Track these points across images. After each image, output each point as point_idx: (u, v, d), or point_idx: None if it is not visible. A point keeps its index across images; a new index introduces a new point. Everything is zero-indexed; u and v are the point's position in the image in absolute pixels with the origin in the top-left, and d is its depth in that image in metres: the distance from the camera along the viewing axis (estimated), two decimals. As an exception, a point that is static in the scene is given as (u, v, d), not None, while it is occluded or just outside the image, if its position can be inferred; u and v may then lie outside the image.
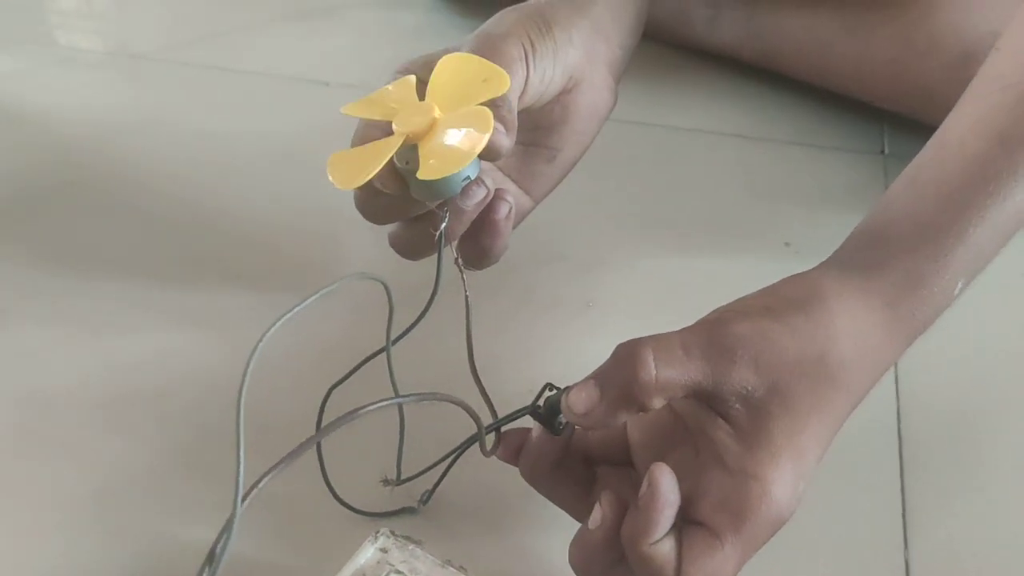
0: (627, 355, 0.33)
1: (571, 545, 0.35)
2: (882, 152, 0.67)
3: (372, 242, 0.56)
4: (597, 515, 0.33)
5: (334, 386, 0.36)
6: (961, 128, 0.38)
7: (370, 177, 0.33)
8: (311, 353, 0.47)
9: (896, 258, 0.36)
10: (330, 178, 0.34)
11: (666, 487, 0.32)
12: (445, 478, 0.39)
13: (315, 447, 0.37)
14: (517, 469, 0.37)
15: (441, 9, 0.86)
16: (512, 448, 0.37)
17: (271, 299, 0.52)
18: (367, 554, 0.34)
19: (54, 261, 0.54)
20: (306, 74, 0.76)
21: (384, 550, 0.34)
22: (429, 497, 0.39)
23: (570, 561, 0.35)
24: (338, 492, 0.38)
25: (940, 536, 0.40)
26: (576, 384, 0.33)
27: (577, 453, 0.37)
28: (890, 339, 0.35)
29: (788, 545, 0.34)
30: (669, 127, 0.70)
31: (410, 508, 0.39)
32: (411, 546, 0.35)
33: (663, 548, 0.32)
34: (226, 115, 0.71)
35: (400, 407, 0.38)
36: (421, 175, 0.33)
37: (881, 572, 0.39)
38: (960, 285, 0.36)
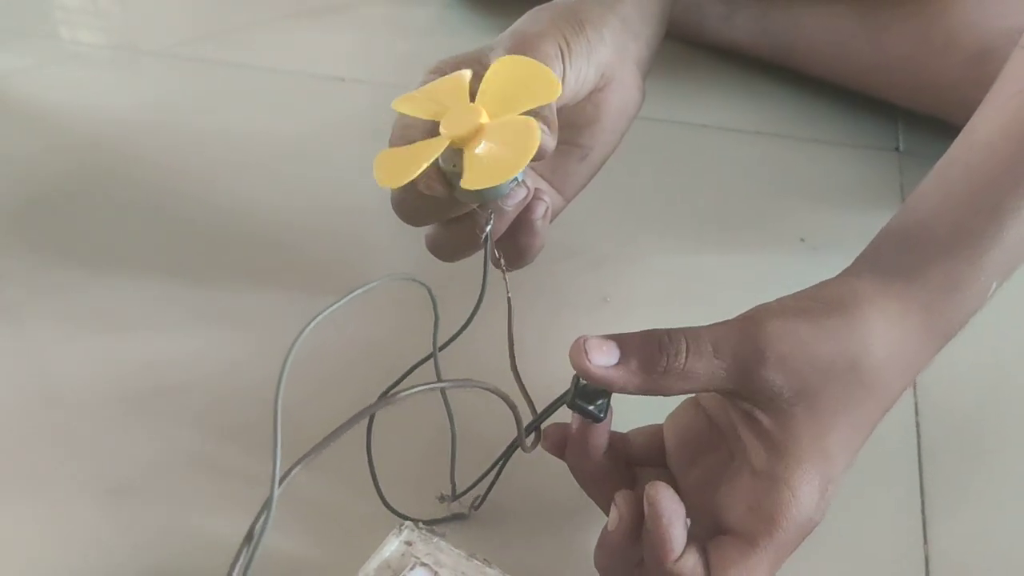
0: (658, 336, 0.33)
1: (596, 547, 0.35)
2: (897, 149, 0.67)
3: (392, 238, 0.57)
4: (615, 515, 0.34)
5: (385, 392, 0.35)
6: (988, 130, 0.38)
7: (412, 178, 0.33)
8: (336, 351, 0.47)
9: (933, 262, 0.36)
10: (375, 175, 0.34)
11: (665, 503, 0.32)
12: (486, 482, 0.39)
13: (367, 453, 0.37)
14: (546, 471, 0.37)
15: (455, 6, 0.86)
16: (557, 441, 0.37)
17: (288, 296, 0.52)
18: (392, 546, 0.35)
19: (67, 258, 0.55)
20: (320, 70, 0.77)
21: (409, 543, 0.35)
22: (481, 503, 0.39)
23: (595, 563, 0.35)
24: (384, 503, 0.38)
25: (960, 531, 0.40)
26: (595, 336, 0.34)
27: (619, 455, 0.37)
28: (924, 343, 0.36)
29: (809, 541, 0.34)
30: (684, 123, 0.70)
31: (461, 515, 0.39)
32: (435, 539, 0.35)
33: (687, 565, 0.32)
34: (239, 111, 0.71)
35: (451, 419, 0.38)
36: (465, 184, 0.33)
37: (901, 567, 0.39)
38: (994, 287, 0.36)
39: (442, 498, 0.39)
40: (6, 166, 0.63)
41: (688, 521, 0.34)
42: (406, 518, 0.37)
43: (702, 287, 0.54)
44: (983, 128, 0.39)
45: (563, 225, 0.54)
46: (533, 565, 0.38)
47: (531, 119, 0.33)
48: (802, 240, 0.58)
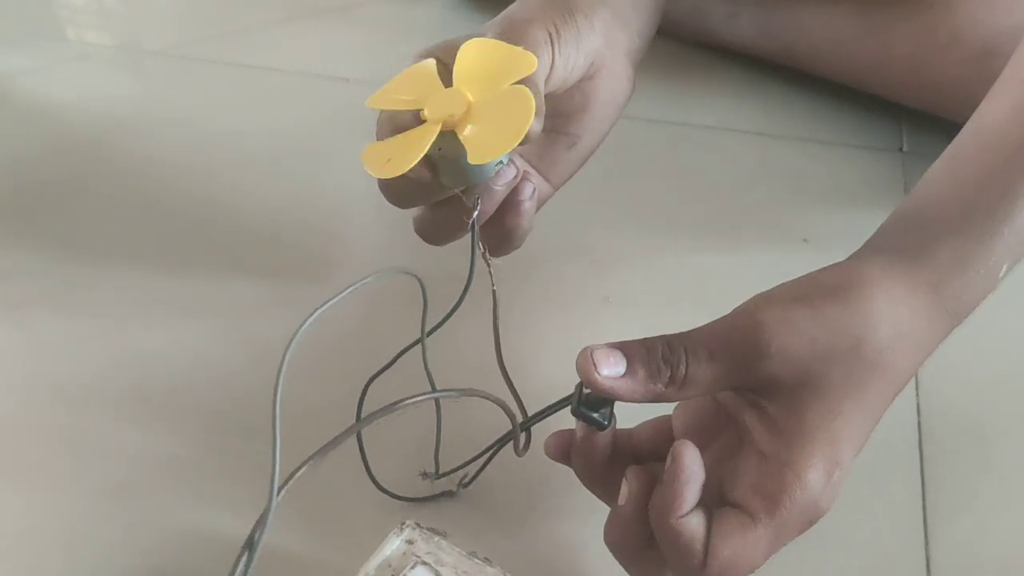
0: (659, 346, 0.33)
1: (606, 524, 0.35)
2: (901, 149, 0.67)
3: (391, 237, 0.57)
4: (624, 490, 0.34)
5: (372, 379, 0.36)
6: (1000, 114, 0.38)
7: (408, 168, 0.33)
8: (333, 345, 0.48)
9: (942, 240, 0.36)
10: (365, 168, 0.34)
11: (689, 460, 0.32)
12: (471, 465, 0.39)
13: (356, 437, 0.37)
14: (543, 465, 0.37)
15: (458, 6, 0.86)
16: (561, 447, 0.36)
17: (290, 293, 0.52)
18: (393, 545, 0.35)
19: (71, 256, 0.55)
20: (324, 70, 0.77)
21: (410, 541, 0.35)
22: (470, 481, 0.40)
23: (605, 540, 0.35)
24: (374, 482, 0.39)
25: (961, 534, 0.40)
26: (601, 345, 0.33)
27: (626, 452, 0.37)
28: (933, 323, 0.35)
29: (810, 543, 0.34)
30: (688, 124, 0.70)
31: (448, 492, 0.40)
32: (436, 538, 0.35)
33: (690, 523, 0.32)
34: (244, 111, 0.71)
35: (437, 401, 0.38)
36: (472, 159, 0.33)
37: (902, 570, 0.39)
38: (1005, 268, 0.36)
39: (424, 475, 0.40)
40: (12, 165, 0.64)
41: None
42: (398, 497, 0.38)
43: (705, 288, 0.54)
44: (994, 111, 0.38)
45: (565, 225, 0.54)
46: (538, 560, 0.38)
47: (521, 86, 0.33)
48: (805, 241, 0.58)
